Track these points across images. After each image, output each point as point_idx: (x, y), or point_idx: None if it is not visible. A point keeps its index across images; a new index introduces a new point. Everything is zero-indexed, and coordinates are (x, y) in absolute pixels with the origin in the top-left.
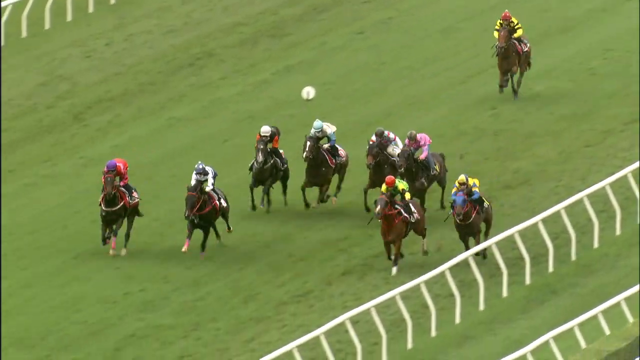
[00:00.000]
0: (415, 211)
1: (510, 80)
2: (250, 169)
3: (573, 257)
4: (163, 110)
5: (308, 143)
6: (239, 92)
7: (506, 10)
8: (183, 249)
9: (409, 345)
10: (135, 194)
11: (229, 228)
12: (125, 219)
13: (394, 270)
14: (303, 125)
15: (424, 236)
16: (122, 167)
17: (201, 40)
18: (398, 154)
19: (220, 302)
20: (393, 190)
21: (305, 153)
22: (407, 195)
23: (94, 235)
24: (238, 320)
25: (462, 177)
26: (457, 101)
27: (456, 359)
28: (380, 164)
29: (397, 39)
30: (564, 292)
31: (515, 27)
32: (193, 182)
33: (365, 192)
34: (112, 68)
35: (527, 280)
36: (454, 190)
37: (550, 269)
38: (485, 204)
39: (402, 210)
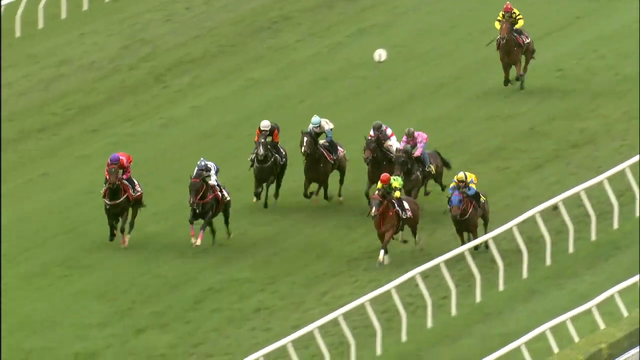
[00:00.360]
0: (409, 208)
1: (516, 71)
2: (251, 165)
3: (637, 214)
4: (241, 72)
5: (305, 138)
6: (314, 54)
7: (507, 2)
8: (196, 242)
9: (478, 299)
10: (138, 187)
11: (228, 234)
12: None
13: (381, 256)
14: (375, 87)
15: (415, 233)
16: (125, 161)
17: (278, 4)
18: (393, 158)
19: (295, 257)
20: (388, 188)
21: (303, 148)
22: (397, 194)
23: (175, 192)
24: (312, 275)
25: (460, 175)
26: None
27: (523, 312)
28: (378, 161)
29: (467, 2)
30: (628, 249)
31: (517, 19)
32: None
33: (367, 194)
34: (192, 31)
35: (593, 237)
36: (452, 184)
37: (615, 225)
38: (482, 199)
39: (395, 205)
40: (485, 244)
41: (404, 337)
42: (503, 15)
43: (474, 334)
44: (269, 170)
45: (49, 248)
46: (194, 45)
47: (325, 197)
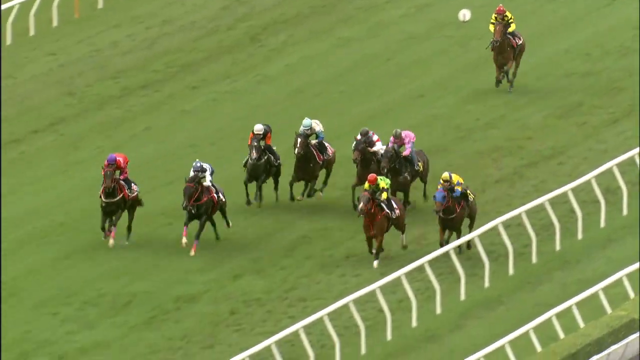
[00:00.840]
0: (397, 207)
1: (506, 74)
2: (245, 165)
3: None
4: (332, 31)
5: (299, 140)
6: (402, 14)
7: (500, 4)
8: (183, 241)
9: (557, 247)
10: (134, 187)
11: (228, 224)
12: (126, 212)
13: (375, 263)
14: (460, 46)
15: (403, 231)
16: (121, 162)
17: None
18: (382, 154)
19: None
20: (375, 188)
21: (296, 149)
22: (384, 195)
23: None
24: None
25: (445, 175)
26: (603, 21)
27: (601, 259)
28: (367, 161)
29: None
30: None
31: (509, 22)
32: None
33: (353, 189)
34: None
35: None
36: (439, 186)
37: None
38: (470, 197)
39: (384, 207)
40: (468, 244)
41: (486, 284)
42: (496, 18)
43: (554, 280)
44: (262, 167)
45: (153, 197)
46: (288, 5)
47: (310, 195)
